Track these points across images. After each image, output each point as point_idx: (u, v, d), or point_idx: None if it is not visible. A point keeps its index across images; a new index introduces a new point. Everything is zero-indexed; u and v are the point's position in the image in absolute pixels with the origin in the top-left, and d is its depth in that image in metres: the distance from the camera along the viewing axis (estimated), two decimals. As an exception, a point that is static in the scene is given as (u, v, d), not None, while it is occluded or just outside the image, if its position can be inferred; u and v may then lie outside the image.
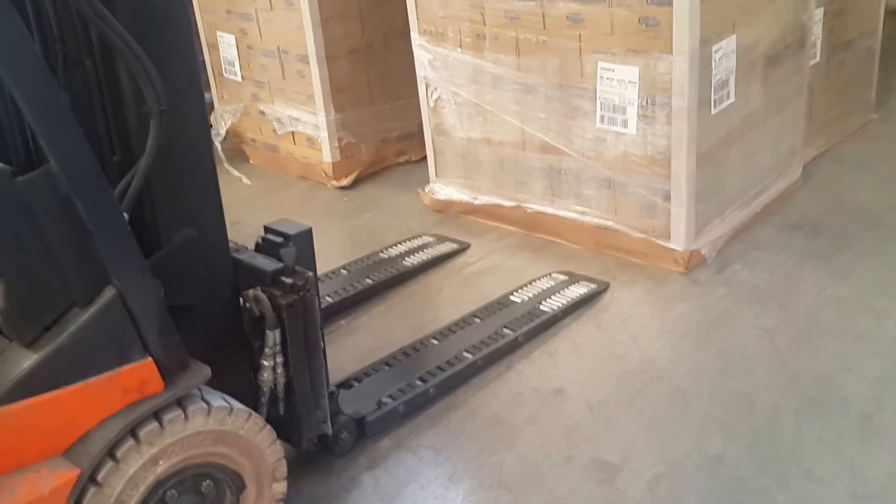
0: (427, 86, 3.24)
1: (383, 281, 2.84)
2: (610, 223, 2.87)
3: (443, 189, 3.39)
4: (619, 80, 2.65)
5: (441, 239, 3.16)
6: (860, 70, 3.69)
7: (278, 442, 1.80)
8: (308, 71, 3.55)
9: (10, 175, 1.45)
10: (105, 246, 1.51)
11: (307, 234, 1.87)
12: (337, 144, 3.66)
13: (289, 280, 1.78)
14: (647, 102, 2.61)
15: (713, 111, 2.65)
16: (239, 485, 1.76)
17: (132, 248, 1.56)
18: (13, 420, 1.45)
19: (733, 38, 2.64)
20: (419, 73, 3.23)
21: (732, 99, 2.72)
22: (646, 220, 2.79)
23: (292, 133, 3.81)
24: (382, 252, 3.05)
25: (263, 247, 1.88)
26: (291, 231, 1.85)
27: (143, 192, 1.63)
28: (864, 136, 3.70)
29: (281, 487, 1.82)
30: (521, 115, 2.96)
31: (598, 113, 2.73)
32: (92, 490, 1.52)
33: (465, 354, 2.37)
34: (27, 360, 1.47)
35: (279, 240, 1.85)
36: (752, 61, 2.78)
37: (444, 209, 3.39)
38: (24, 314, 1.50)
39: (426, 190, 3.45)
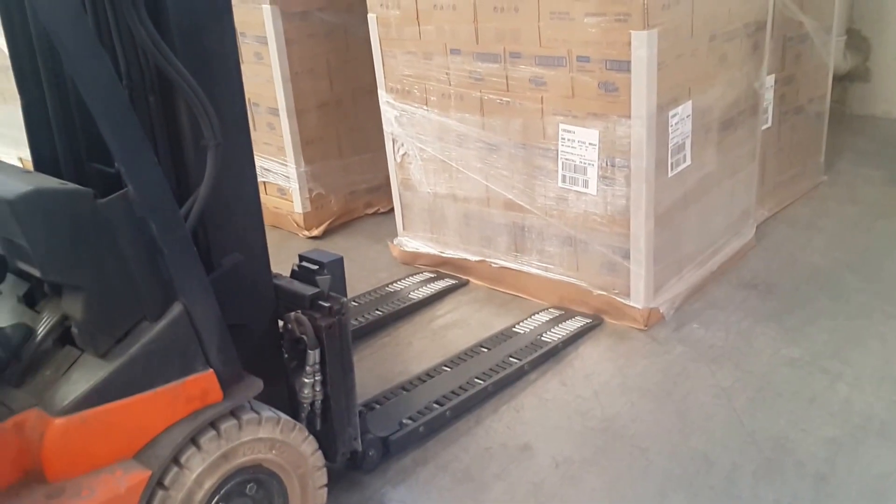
0: (394, 141, 3.29)
1: (391, 313, 3.00)
2: (572, 280, 2.93)
3: (410, 242, 3.43)
4: (579, 142, 2.72)
5: (441, 275, 3.31)
6: (810, 134, 3.82)
7: (319, 451, 1.91)
8: (278, 123, 3.60)
9: (91, 196, 1.57)
10: (174, 265, 1.64)
11: (339, 263, 2.01)
12: (307, 195, 3.70)
13: (326, 304, 1.91)
14: (606, 164, 2.68)
15: (670, 174, 2.72)
16: (283, 491, 1.86)
17: (198, 269, 1.70)
18: (90, 424, 1.57)
19: (689, 103, 2.73)
20: (386, 128, 3.29)
21: (688, 162, 2.81)
22: (606, 278, 2.84)
23: (264, 183, 3.84)
24: (388, 286, 3.23)
25: (299, 274, 2.01)
26: (325, 259, 2.00)
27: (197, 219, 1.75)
28: (815, 198, 3.82)
29: (322, 494, 1.93)
30: (485, 172, 3.02)
31: (560, 173, 2.80)
32: (160, 494, 1.63)
33: (477, 381, 2.53)
34: (102, 369, 1.59)
35: (314, 267, 1.99)
36: (707, 126, 2.87)
37: (412, 261, 3.42)
38: (100, 326, 1.61)
39: (394, 242, 3.49)
